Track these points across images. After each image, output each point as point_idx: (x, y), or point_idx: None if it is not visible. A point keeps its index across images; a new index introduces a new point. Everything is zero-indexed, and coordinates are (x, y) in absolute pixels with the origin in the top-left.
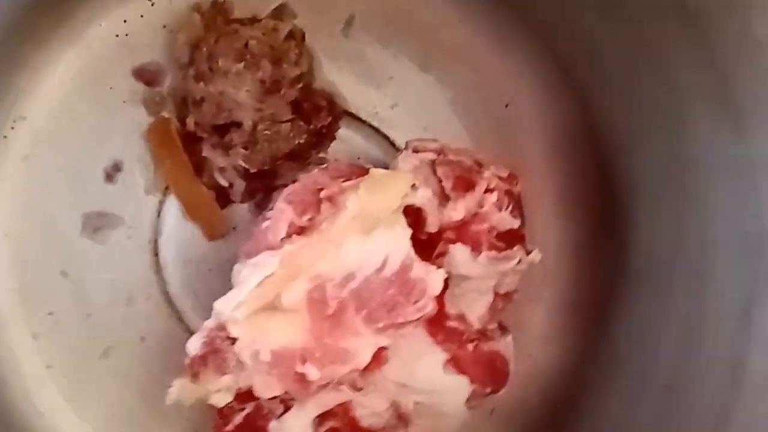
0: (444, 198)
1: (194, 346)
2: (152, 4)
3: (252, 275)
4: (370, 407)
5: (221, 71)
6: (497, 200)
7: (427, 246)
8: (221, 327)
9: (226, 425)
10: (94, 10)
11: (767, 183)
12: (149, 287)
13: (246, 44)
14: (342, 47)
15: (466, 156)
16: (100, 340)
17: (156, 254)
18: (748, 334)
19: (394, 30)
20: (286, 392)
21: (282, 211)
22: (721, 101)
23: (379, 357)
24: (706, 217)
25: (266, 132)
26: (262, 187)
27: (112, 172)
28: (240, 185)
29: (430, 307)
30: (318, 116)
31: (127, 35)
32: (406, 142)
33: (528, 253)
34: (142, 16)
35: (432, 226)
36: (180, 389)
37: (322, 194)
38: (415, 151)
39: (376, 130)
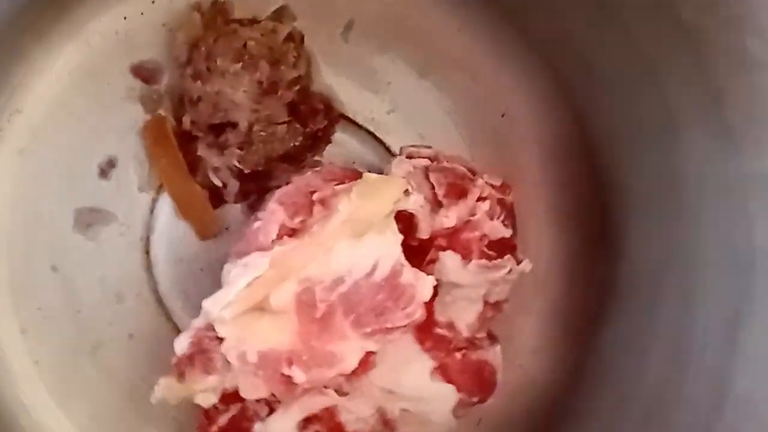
0: (436, 204)
1: (181, 345)
2: (153, 2)
3: (242, 275)
4: (355, 412)
5: (219, 71)
6: (489, 209)
7: (417, 252)
8: (209, 327)
9: (211, 426)
10: (94, 6)
11: (757, 200)
12: (139, 285)
13: (245, 45)
14: (341, 51)
15: (459, 163)
16: (88, 337)
17: (147, 252)
18: (733, 352)
19: (393, 36)
20: (271, 394)
21: (273, 213)
22: (713, 118)
23: (366, 362)
24: (696, 233)
25: (262, 133)
26: (256, 188)
27: (107, 169)
28: (234, 185)
29: (418, 314)
30: (314, 119)
31: (126, 32)
32: (401, 148)
33: (519, 262)
34: (142, 13)
35: (423, 233)
36: (166, 388)
37: (315, 197)
38: (409, 156)
39: (372, 135)
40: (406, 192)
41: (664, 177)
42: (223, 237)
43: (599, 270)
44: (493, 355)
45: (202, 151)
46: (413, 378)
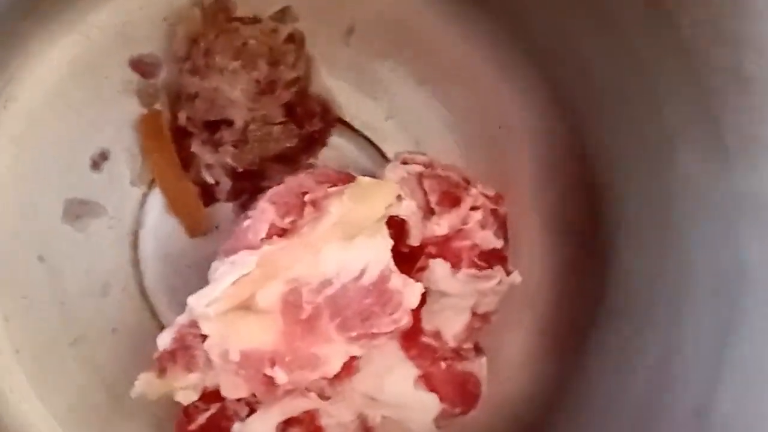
0: (429, 211)
1: (164, 340)
2: None
3: (228, 273)
4: (336, 417)
5: (217, 68)
6: (482, 218)
7: (407, 259)
8: (193, 324)
9: (190, 424)
10: None
11: (747, 222)
12: (126, 279)
13: (245, 43)
14: (341, 55)
15: (454, 172)
16: (71, 328)
17: (135, 247)
18: (719, 371)
19: (394, 42)
20: (252, 395)
21: (264, 211)
22: (710, 136)
23: (349, 366)
24: (686, 252)
25: (257, 132)
26: (248, 188)
27: (99, 161)
28: (226, 183)
29: (405, 320)
30: (311, 121)
31: (126, 25)
32: (396, 153)
33: (509, 274)
34: (141, 8)
35: (414, 239)
36: (146, 383)
37: (307, 198)
38: (404, 162)
39: (368, 140)
40: (399, 197)
41: (657, 193)
42: (212, 235)
43: (589, 285)
44: (479, 366)
45: (196, 147)
46: (396, 385)
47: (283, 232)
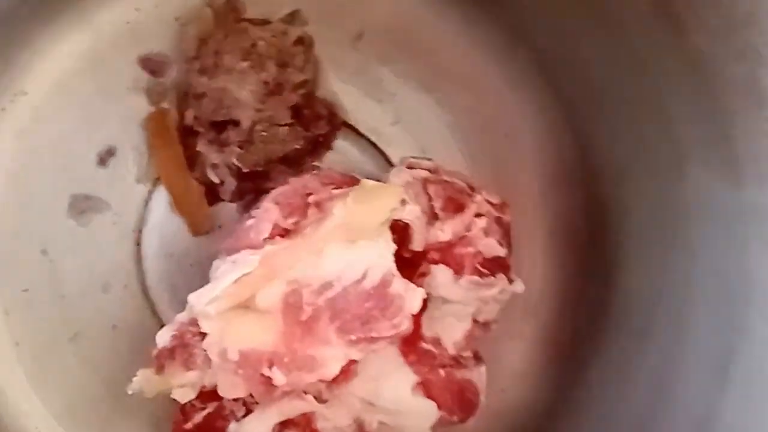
0: (432, 217)
1: (163, 338)
2: None
3: (230, 272)
4: (333, 421)
5: (226, 68)
6: (486, 226)
7: (409, 264)
8: (193, 322)
9: (186, 423)
10: None
11: (756, 236)
12: (127, 276)
13: (254, 44)
14: (349, 59)
15: (459, 178)
16: (71, 323)
17: (138, 244)
18: (722, 388)
19: (403, 48)
20: (249, 395)
21: (267, 211)
22: (720, 150)
23: (348, 370)
24: (692, 265)
25: (263, 133)
26: (253, 188)
27: (106, 157)
28: (231, 183)
29: (405, 325)
30: (317, 124)
31: (137, 23)
32: (401, 158)
33: (511, 282)
34: (155, 6)
35: (417, 245)
36: (143, 380)
37: (311, 199)
38: (409, 167)
39: (374, 145)
40: (403, 201)
41: (664, 208)
42: (215, 234)
43: (592, 298)
44: (478, 375)
45: (202, 146)
46: (394, 391)
47: (285, 233)
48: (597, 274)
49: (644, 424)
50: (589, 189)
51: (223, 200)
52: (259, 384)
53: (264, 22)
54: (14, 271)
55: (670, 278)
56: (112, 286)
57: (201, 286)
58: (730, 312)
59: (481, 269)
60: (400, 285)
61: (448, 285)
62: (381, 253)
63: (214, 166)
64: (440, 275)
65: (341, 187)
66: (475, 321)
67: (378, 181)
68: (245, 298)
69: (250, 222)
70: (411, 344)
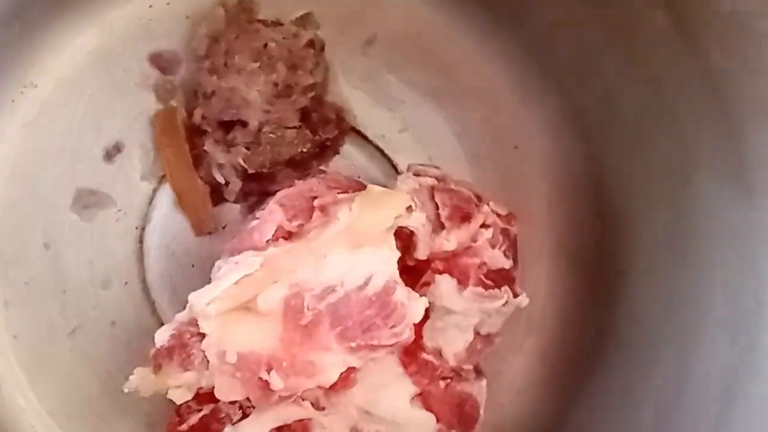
0: (438, 226)
1: (162, 337)
2: None
3: (231, 272)
4: (329, 429)
5: (236, 68)
6: (492, 237)
7: (413, 273)
8: (192, 322)
9: (181, 424)
10: None
11: None
12: (128, 273)
13: (265, 45)
14: (360, 64)
15: (466, 188)
16: (70, 318)
17: (141, 241)
18: (729, 412)
19: (414, 56)
20: (246, 398)
21: (272, 213)
22: (733, 169)
23: (347, 378)
24: (701, 286)
25: (271, 135)
26: (258, 190)
27: (112, 152)
28: (236, 184)
29: (406, 335)
30: (325, 128)
31: (149, 20)
32: (409, 165)
33: (515, 295)
34: (167, 3)
35: (421, 253)
36: (140, 378)
37: (316, 202)
38: (416, 174)
39: (381, 151)
40: (409, 208)
41: (674, 225)
42: (218, 235)
43: (597, 315)
44: (478, 389)
45: (209, 146)
46: (393, 401)
47: (289, 235)
48: (603, 291)
49: None
50: (598, 204)
51: (227, 201)
52: (256, 388)
53: (276, 24)
54: (16, 264)
55: (679, 297)
56: (112, 282)
57: (201, 285)
58: (740, 334)
59: (486, 281)
60: (402, 293)
61: (452, 295)
62: (385, 260)
63: (220, 166)
64: (444, 285)
65: (347, 192)
66: (477, 333)
67: (384, 187)
68: (246, 300)
69: (254, 223)
70: (412, 354)
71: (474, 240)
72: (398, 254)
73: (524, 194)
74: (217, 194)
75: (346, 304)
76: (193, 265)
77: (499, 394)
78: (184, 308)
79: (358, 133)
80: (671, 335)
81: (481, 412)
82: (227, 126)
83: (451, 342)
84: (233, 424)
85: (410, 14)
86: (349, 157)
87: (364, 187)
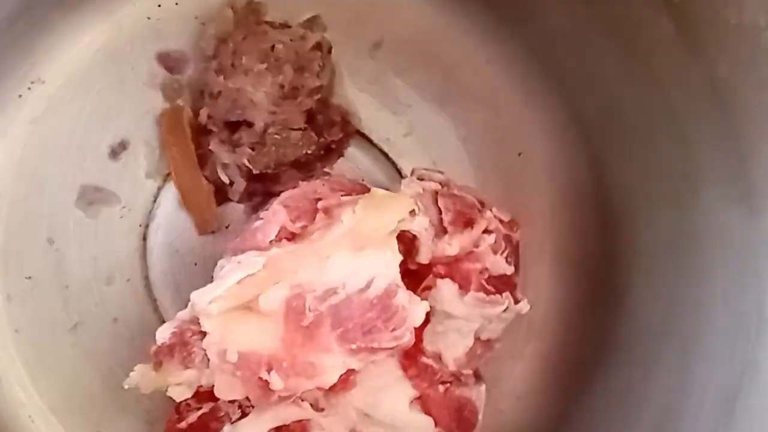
0: (441, 230)
1: (163, 334)
2: None
3: (234, 272)
4: (328, 430)
5: (243, 69)
6: (494, 243)
7: (415, 276)
8: (194, 320)
9: (180, 422)
10: None
11: None
12: (131, 270)
13: (272, 47)
14: (366, 68)
15: (470, 193)
16: (72, 314)
17: (144, 239)
18: (730, 418)
19: (420, 60)
20: (246, 398)
21: (276, 213)
22: (737, 178)
23: (346, 380)
24: (703, 295)
25: (276, 136)
26: (262, 191)
27: (118, 150)
28: (240, 184)
29: (407, 338)
30: (330, 130)
31: (158, 20)
32: (413, 169)
33: (516, 302)
34: (176, 3)
35: (424, 257)
36: (140, 375)
37: (320, 204)
38: (420, 178)
39: (385, 155)
40: (412, 212)
41: (677, 234)
42: (221, 234)
43: (598, 322)
44: (477, 394)
45: (214, 146)
46: (392, 404)
47: (292, 236)
48: (604, 298)
49: None
50: (601, 211)
51: (231, 200)
52: (256, 387)
53: (284, 26)
54: (19, 258)
55: (680, 307)
56: (115, 279)
57: (204, 284)
58: (741, 346)
59: (487, 286)
60: (404, 296)
61: (453, 300)
62: (387, 263)
63: (225, 166)
64: (445, 289)
65: (351, 195)
66: (477, 338)
67: (388, 191)
68: (248, 300)
69: (257, 223)
70: (412, 358)
71: (476, 245)
72: (400, 258)
73: (527, 200)
74: (221, 194)
75: (348, 306)
76: (195, 264)
77: (497, 399)
78: (186, 306)
79: (363, 136)
80: (672, 340)
81: (480, 417)
82: (233, 126)
83: (452, 346)
84: (232, 423)
85: (417, 19)
86: (354, 160)
87: (368, 190)
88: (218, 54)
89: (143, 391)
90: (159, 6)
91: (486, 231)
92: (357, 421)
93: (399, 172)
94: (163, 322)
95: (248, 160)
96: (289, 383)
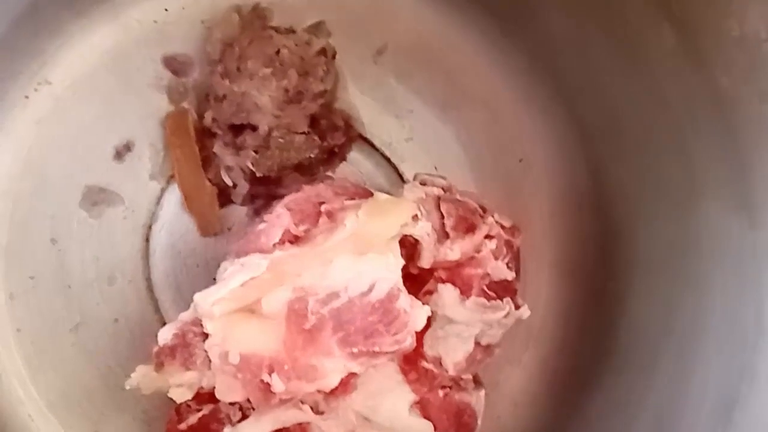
0: (443, 235)
1: (165, 335)
2: None
3: (237, 274)
4: None
5: (248, 73)
6: (496, 248)
7: (416, 281)
8: (196, 322)
9: (180, 423)
10: None
11: None
12: (133, 271)
13: (278, 52)
14: (369, 73)
15: (472, 198)
16: (73, 314)
17: (147, 240)
18: (727, 428)
19: (423, 66)
20: (247, 400)
21: (280, 216)
22: (736, 189)
23: (347, 383)
24: (702, 304)
25: (280, 140)
26: (264, 194)
27: (123, 151)
28: (243, 187)
29: (408, 342)
30: (333, 135)
31: (165, 23)
32: (415, 174)
33: (517, 307)
34: (183, 7)
35: (425, 262)
36: (142, 376)
37: (323, 208)
38: (423, 183)
39: (387, 159)
40: (415, 217)
41: (676, 243)
42: (224, 237)
43: (596, 330)
44: (476, 399)
45: (218, 148)
46: (391, 408)
47: (296, 240)
48: (602, 305)
49: None
50: (600, 218)
51: (234, 203)
52: (257, 389)
53: (289, 31)
54: (22, 257)
55: (678, 315)
56: (117, 279)
57: (205, 286)
58: (739, 354)
59: (488, 292)
60: (405, 301)
61: (454, 305)
62: (389, 267)
63: (229, 169)
64: (446, 294)
65: (354, 199)
66: (477, 343)
67: (389, 195)
68: (251, 302)
69: (261, 226)
70: (412, 362)
71: (478, 251)
72: (403, 262)
73: (527, 206)
74: (224, 196)
75: (350, 310)
76: (197, 265)
77: (495, 405)
78: (188, 307)
79: (365, 140)
80: (670, 348)
81: (479, 422)
82: (237, 129)
83: (452, 351)
84: (232, 425)
85: (420, 25)
86: (356, 164)
87: (371, 194)
88: (224, 58)
89: (144, 392)
90: (166, 10)
91: (487, 236)
92: (356, 424)
93: (400, 176)
94: (164, 323)
95: (252, 163)
96: (291, 386)
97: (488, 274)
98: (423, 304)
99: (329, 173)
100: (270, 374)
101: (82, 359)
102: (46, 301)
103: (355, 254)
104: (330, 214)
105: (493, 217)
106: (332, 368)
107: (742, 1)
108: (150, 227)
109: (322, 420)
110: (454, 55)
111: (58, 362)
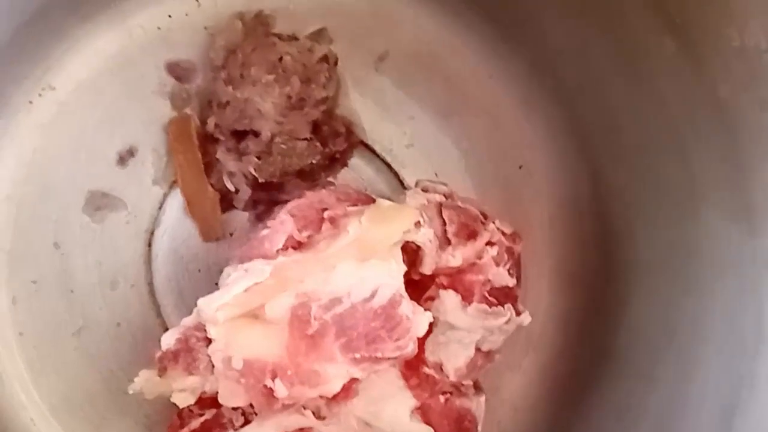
0: (445, 242)
1: (168, 340)
2: (198, 5)
3: (241, 279)
4: None
5: (251, 79)
6: (497, 255)
7: (418, 287)
8: (199, 327)
9: (182, 428)
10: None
11: None
12: (136, 276)
13: (280, 59)
14: (371, 79)
15: (473, 205)
16: (76, 318)
17: (149, 245)
18: None
19: (424, 73)
20: (249, 405)
21: (283, 223)
22: (737, 195)
23: (349, 389)
24: (702, 311)
25: (282, 146)
26: (266, 199)
27: (126, 156)
28: (245, 192)
29: (410, 348)
30: (335, 141)
31: (168, 29)
32: (417, 181)
33: (518, 313)
34: (186, 14)
35: (427, 268)
36: (145, 381)
37: (326, 214)
38: (425, 190)
39: (388, 165)
40: (417, 224)
41: (676, 249)
42: (225, 242)
43: (596, 335)
44: (477, 405)
45: (221, 154)
46: (393, 414)
47: (299, 246)
48: (603, 311)
49: None
50: (600, 225)
51: (236, 208)
52: (260, 395)
53: (291, 38)
54: (25, 262)
55: (678, 321)
56: (119, 284)
57: (207, 291)
58: (739, 360)
59: (490, 298)
60: (407, 307)
61: (456, 311)
62: (391, 274)
63: (231, 174)
64: (448, 301)
65: (357, 205)
66: (478, 349)
67: (391, 201)
68: (254, 307)
69: (264, 231)
70: (413, 368)
71: (479, 257)
72: (405, 268)
73: (527, 212)
74: (226, 201)
75: (352, 316)
76: (199, 270)
77: (495, 411)
78: (189, 312)
79: (367, 146)
80: (670, 354)
81: (479, 427)
82: (240, 135)
83: (453, 357)
84: (235, 430)
85: (422, 33)
86: (357, 170)
87: (373, 200)
88: (227, 64)
89: (147, 397)
90: (169, 17)
91: (489, 243)
92: (358, 429)
93: (401, 182)
94: (166, 327)
95: (254, 169)
96: (294, 391)
97: (489, 281)
98: (425, 310)
99: (331, 179)
100: (273, 379)
101: (85, 363)
102: (48, 305)
103: (357, 260)
104: (333, 221)
105: (494, 223)
106: (335, 374)
107: (743, 11)
108: (152, 232)
109: (324, 425)
110: (455, 61)
111: (60, 366)
